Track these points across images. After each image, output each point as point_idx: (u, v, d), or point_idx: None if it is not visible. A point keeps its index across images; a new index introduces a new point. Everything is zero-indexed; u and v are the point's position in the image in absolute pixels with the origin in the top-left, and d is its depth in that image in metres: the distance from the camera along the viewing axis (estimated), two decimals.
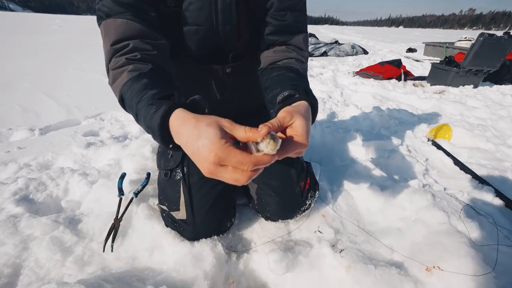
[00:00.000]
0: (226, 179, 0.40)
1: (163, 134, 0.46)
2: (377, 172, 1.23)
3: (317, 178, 1.19)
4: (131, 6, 0.59)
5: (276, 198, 0.90)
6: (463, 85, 3.10)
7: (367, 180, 1.19)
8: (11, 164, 1.26)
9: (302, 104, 0.53)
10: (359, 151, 1.46)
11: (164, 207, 0.86)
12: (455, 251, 0.77)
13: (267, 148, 0.38)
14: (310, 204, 0.97)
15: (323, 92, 2.80)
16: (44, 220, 0.86)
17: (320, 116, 2.09)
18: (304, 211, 0.96)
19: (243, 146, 0.42)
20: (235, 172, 0.39)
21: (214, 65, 0.76)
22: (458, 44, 5.91)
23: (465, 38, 6.03)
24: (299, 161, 0.99)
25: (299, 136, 0.45)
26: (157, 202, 0.94)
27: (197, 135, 0.40)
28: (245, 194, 1.03)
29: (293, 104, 0.53)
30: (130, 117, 1.96)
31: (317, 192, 1.01)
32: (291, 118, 0.46)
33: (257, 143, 0.40)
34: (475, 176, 1.34)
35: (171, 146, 0.48)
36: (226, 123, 0.41)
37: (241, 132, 0.40)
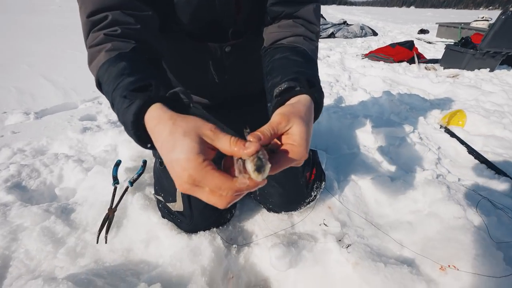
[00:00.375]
0: (203, 199, 0.34)
1: (138, 133, 0.40)
2: (386, 161, 1.15)
3: (323, 167, 1.12)
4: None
5: (280, 189, 0.84)
6: (479, 69, 2.92)
7: (376, 169, 1.12)
8: (4, 149, 1.21)
9: (302, 100, 0.44)
10: (368, 138, 1.38)
11: (160, 198, 0.81)
12: (472, 249, 0.71)
13: (253, 174, 0.31)
14: (315, 196, 0.91)
15: (330, 75, 2.66)
16: (35, 209, 0.81)
17: (327, 100, 1.98)
18: (309, 202, 0.91)
19: (227, 159, 0.36)
20: (213, 196, 0.33)
21: (212, 43, 0.67)
22: (474, 24, 5.58)
23: (482, 18, 5.68)
24: None
25: (296, 146, 0.38)
26: (153, 192, 0.89)
27: (172, 146, 0.33)
28: None
29: (291, 102, 0.45)
30: None
31: (324, 183, 0.95)
32: (287, 123, 0.39)
33: (244, 160, 0.32)
34: (490, 165, 1.26)
35: (148, 145, 0.41)
36: (208, 131, 0.34)
37: (225, 145, 0.33)
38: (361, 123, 1.48)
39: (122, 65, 0.45)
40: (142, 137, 0.40)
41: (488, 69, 2.92)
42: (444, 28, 6.10)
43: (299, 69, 0.53)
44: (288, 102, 0.45)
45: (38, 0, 19.73)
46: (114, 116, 1.63)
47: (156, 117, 0.37)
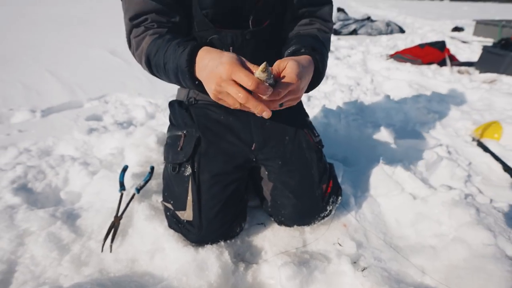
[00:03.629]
0: (231, 92, 0.49)
1: (191, 70, 0.57)
2: (409, 177, 1.15)
3: (340, 180, 1.14)
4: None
5: (293, 200, 0.87)
6: None
7: (397, 186, 1.13)
8: (10, 148, 1.29)
9: (304, 57, 0.62)
10: (389, 150, 1.39)
11: (169, 205, 0.85)
12: (503, 281, 0.70)
13: (261, 75, 0.48)
14: (330, 211, 0.93)
15: (350, 78, 2.67)
16: (41, 213, 0.87)
17: (346, 106, 1.99)
18: (323, 217, 0.92)
19: None
20: (239, 88, 0.48)
21: (233, 29, 0.76)
22: None
23: None
24: (322, 160, 0.95)
25: (288, 74, 0.54)
26: (161, 199, 0.93)
27: (220, 56, 0.52)
28: (258, 195, 1.00)
29: (295, 57, 0.60)
30: (135, 101, 1.96)
31: (340, 197, 0.96)
32: (284, 62, 0.55)
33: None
34: None
35: (196, 82, 0.58)
36: (242, 58, 0.53)
37: (249, 65, 0.52)
38: (382, 133, 1.49)
39: (167, 37, 0.65)
40: (192, 74, 0.58)
41: None
42: (482, 25, 5.95)
43: (308, 42, 0.72)
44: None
45: None
46: (121, 117, 1.70)
47: (207, 50, 0.56)
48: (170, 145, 0.88)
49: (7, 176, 1.07)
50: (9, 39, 3.58)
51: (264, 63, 0.49)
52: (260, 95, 0.49)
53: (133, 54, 0.74)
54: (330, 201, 0.92)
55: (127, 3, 0.71)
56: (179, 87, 0.99)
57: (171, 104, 0.95)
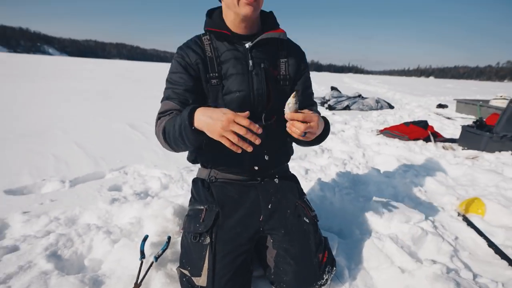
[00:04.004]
0: (235, 129, 0.73)
1: (191, 121, 0.80)
2: (398, 250, 1.29)
3: (334, 252, 1.28)
4: (179, 95, 0.98)
5: (294, 267, 0.99)
6: (500, 151, 3.14)
7: (387, 259, 1.25)
8: (43, 217, 1.47)
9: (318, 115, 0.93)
10: (380, 224, 1.54)
11: (186, 272, 0.97)
12: None
13: (291, 100, 0.83)
14: (327, 280, 1.05)
15: (343, 152, 2.97)
16: (72, 279, 1.00)
17: (341, 180, 2.21)
18: (320, 286, 1.03)
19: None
20: (240, 127, 0.73)
21: None
22: (493, 102, 6.06)
23: (501, 96, 6.19)
24: (318, 232, 1.11)
25: (311, 113, 0.85)
26: (176, 266, 1.06)
27: (220, 110, 0.76)
28: (261, 264, 1.13)
29: None
30: (151, 172, 2.20)
31: (334, 268, 1.09)
32: (310, 111, 0.88)
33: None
34: None
35: (193, 128, 0.80)
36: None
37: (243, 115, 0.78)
38: (373, 207, 1.66)
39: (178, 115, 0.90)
40: (192, 123, 0.80)
41: (510, 152, 3.13)
42: (463, 104, 6.62)
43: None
44: None
45: (72, 65, 23.47)
46: (138, 187, 1.91)
47: (204, 108, 0.80)
48: (192, 217, 1.06)
49: (41, 243, 1.22)
50: (41, 113, 4.08)
51: (295, 91, 0.81)
52: (255, 132, 0.74)
53: (156, 133, 0.96)
54: (326, 270, 1.04)
55: (163, 104, 0.99)
56: (200, 166, 1.22)
57: (195, 182, 1.17)
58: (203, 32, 1.04)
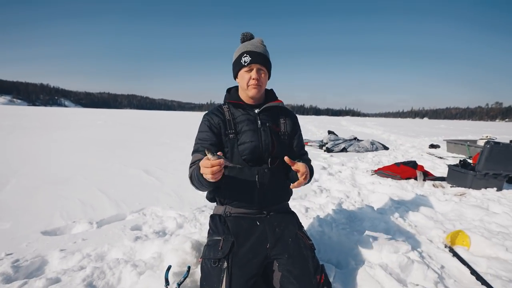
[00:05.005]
0: (207, 171, 1.00)
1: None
2: (387, 276, 1.44)
3: (332, 279, 1.44)
4: (207, 149, 1.23)
5: (297, 285, 1.15)
6: (485, 188, 3.33)
7: (377, 284, 1.41)
8: (77, 254, 1.66)
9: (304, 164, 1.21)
10: (373, 255, 1.70)
11: None
12: None
13: (210, 156, 1.01)
14: None
15: (340, 191, 3.17)
16: None
17: (338, 216, 2.39)
18: None
19: None
20: (208, 169, 1.00)
21: (257, 166, 1.33)
22: (480, 142, 6.36)
23: (486, 136, 6.53)
24: (315, 258, 1.30)
25: (301, 168, 1.15)
26: None
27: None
28: (268, 287, 1.29)
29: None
30: (167, 213, 2.41)
31: None
32: (295, 162, 1.18)
33: None
34: None
35: (202, 179, 1.09)
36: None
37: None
38: (366, 241, 1.83)
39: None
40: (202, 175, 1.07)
41: (495, 189, 3.31)
42: (453, 144, 6.93)
43: (305, 160, 1.36)
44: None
45: (86, 115, 24.75)
46: (157, 227, 2.11)
47: None
48: (212, 246, 1.26)
49: (79, 275, 1.41)
50: (63, 161, 4.41)
51: (209, 152, 1.01)
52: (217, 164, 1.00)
53: (189, 178, 1.27)
54: None
55: (193, 156, 1.30)
56: (215, 204, 1.47)
57: (212, 217, 1.41)
58: (223, 102, 1.42)
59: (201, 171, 1.03)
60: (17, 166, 3.87)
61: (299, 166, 1.16)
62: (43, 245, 1.78)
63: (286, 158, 1.15)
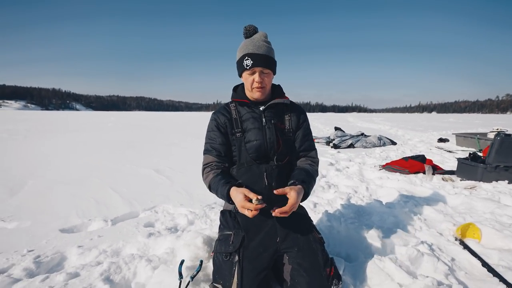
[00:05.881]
0: (244, 212, 1.08)
1: (228, 197, 1.17)
2: (397, 270, 1.44)
3: (341, 272, 1.44)
4: (215, 150, 1.34)
5: (307, 278, 1.17)
6: (496, 181, 3.26)
7: (387, 277, 1.41)
8: (93, 250, 1.72)
9: (299, 187, 1.19)
10: (382, 248, 1.70)
11: (219, 286, 1.17)
12: None
13: (255, 201, 1.08)
14: None
15: (348, 187, 3.16)
16: None
17: (346, 211, 2.39)
18: None
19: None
20: (248, 211, 1.07)
21: (265, 164, 1.34)
22: (490, 135, 6.21)
23: (497, 129, 6.37)
24: (324, 251, 1.31)
25: (290, 198, 1.13)
26: (208, 284, 1.26)
27: (237, 195, 1.13)
28: (278, 280, 1.31)
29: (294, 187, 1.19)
30: (178, 210, 2.46)
31: (341, 282, 1.26)
32: (289, 190, 1.15)
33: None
34: (503, 280, 1.46)
35: (230, 202, 1.18)
36: (246, 192, 1.11)
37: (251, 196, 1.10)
38: (376, 234, 1.83)
39: (219, 177, 1.26)
40: (228, 198, 1.16)
41: (507, 181, 3.24)
42: (462, 138, 6.78)
43: (301, 177, 1.28)
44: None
45: (97, 118, 25.20)
46: (168, 223, 2.16)
47: (235, 190, 1.15)
48: (223, 241, 1.29)
49: (97, 269, 1.46)
50: (77, 163, 4.53)
51: (256, 197, 1.07)
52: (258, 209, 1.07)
53: (204, 181, 1.35)
54: (333, 282, 1.21)
55: (205, 157, 1.37)
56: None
57: (223, 213, 1.43)
58: (230, 101, 1.43)
59: (240, 208, 1.10)
60: (34, 168, 3.99)
61: (290, 196, 1.13)
62: (61, 242, 1.84)
63: (276, 191, 1.15)
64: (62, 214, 2.32)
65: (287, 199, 1.48)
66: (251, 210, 1.06)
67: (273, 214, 1.11)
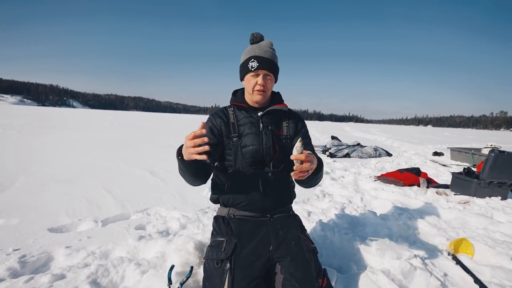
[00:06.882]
0: (189, 144, 0.98)
1: (180, 153, 1.07)
2: (389, 282, 1.42)
3: (333, 283, 1.42)
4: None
5: None
6: (490, 196, 3.28)
7: None
8: (82, 251, 1.67)
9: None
10: (374, 260, 1.68)
11: None
12: None
13: (298, 144, 1.04)
14: None
15: (343, 196, 3.15)
16: None
17: (340, 221, 2.38)
18: None
19: None
20: (191, 141, 0.98)
21: (261, 170, 1.32)
22: (484, 151, 6.28)
23: (491, 145, 6.44)
24: (317, 261, 1.29)
25: (308, 154, 1.04)
26: None
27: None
28: None
29: None
30: (171, 214, 2.42)
31: None
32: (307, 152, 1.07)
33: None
34: None
35: (180, 157, 1.07)
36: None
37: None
38: (369, 246, 1.81)
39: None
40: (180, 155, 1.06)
41: (500, 197, 3.26)
42: (456, 152, 6.85)
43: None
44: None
45: (94, 116, 25.01)
46: (160, 227, 2.12)
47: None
48: (215, 247, 1.26)
49: (84, 272, 1.42)
50: (71, 161, 4.46)
51: (300, 138, 1.04)
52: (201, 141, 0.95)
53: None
54: None
55: None
56: (219, 206, 1.47)
57: (216, 218, 1.41)
58: (229, 104, 1.42)
59: (186, 152, 0.99)
60: (26, 165, 3.93)
61: (308, 157, 1.03)
62: (49, 241, 1.79)
63: (296, 156, 1.04)
64: (52, 212, 2.27)
65: (282, 206, 1.48)
66: (194, 147, 0.95)
67: (292, 174, 1.02)
